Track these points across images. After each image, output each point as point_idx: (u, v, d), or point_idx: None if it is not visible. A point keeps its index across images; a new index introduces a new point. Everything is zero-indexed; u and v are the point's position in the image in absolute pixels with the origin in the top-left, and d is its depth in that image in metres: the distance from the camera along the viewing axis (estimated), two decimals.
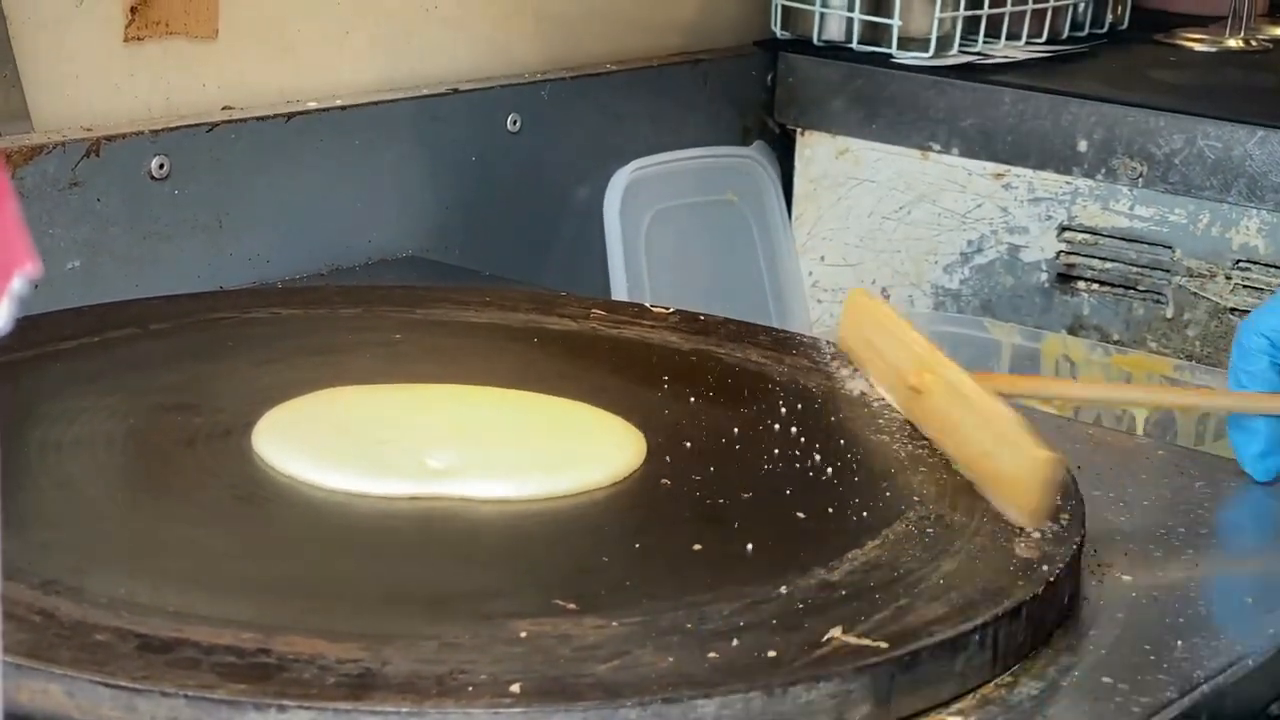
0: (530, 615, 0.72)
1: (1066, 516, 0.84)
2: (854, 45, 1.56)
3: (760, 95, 1.61)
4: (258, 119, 1.25)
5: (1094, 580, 0.85)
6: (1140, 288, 1.46)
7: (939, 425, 0.91)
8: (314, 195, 1.29)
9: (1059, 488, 0.84)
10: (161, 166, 1.19)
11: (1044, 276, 1.49)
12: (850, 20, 1.56)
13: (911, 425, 0.94)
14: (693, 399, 0.96)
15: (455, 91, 1.39)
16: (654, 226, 1.50)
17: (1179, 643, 0.80)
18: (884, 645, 0.71)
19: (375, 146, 1.33)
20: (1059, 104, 1.47)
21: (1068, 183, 1.47)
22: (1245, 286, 1.41)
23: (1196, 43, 1.72)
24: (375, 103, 1.33)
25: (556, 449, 0.88)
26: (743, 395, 0.98)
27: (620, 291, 1.45)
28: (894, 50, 1.54)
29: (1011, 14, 1.60)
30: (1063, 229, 1.48)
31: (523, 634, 0.71)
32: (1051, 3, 1.63)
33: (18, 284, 0.38)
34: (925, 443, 0.92)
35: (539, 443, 0.89)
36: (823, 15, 1.58)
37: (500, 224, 1.42)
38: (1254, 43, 1.73)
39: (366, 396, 0.92)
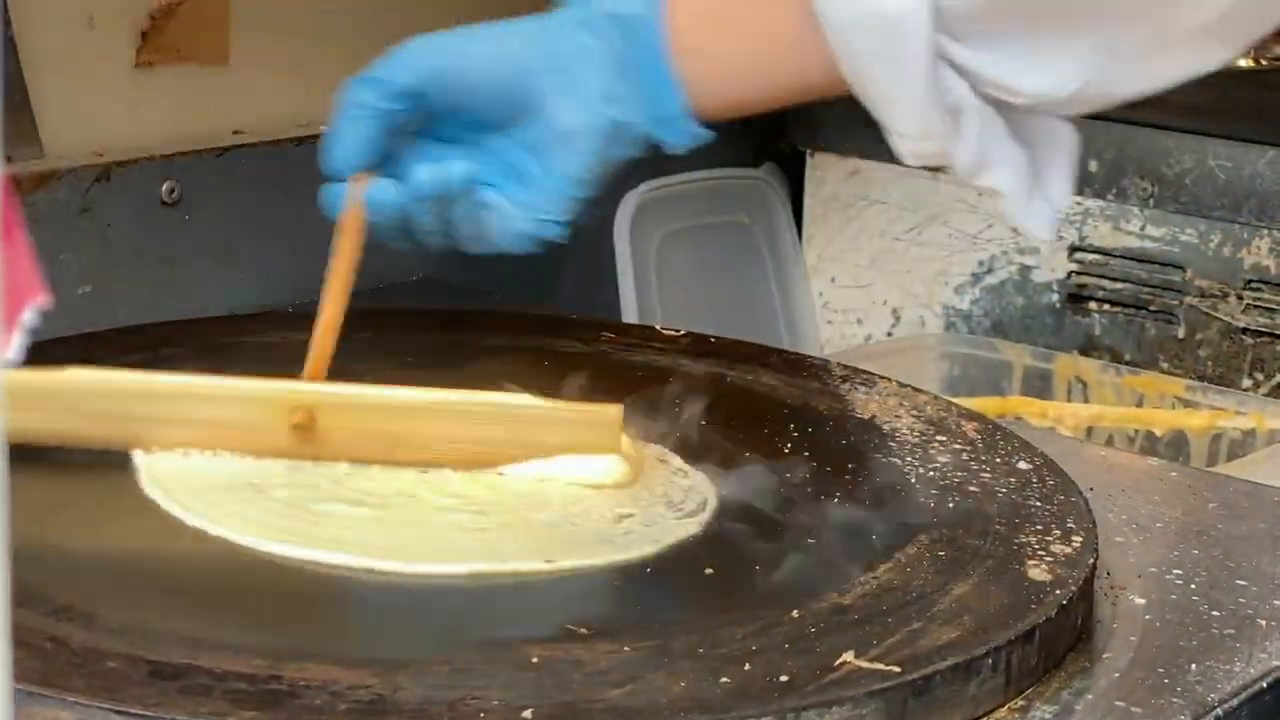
0: (542, 640, 0.72)
1: (1079, 539, 0.84)
2: None
3: (770, 116, 1.61)
4: (268, 143, 1.25)
5: (1107, 603, 0.85)
6: (1152, 308, 1.46)
7: (365, 447, 0.85)
8: (325, 219, 1.29)
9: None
10: (172, 191, 1.19)
11: (1055, 297, 1.49)
12: None
13: (923, 449, 0.94)
14: (703, 421, 0.96)
15: None
16: (664, 248, 1.50)
17: (1193, 666, 0.79)
18: (897, 669, 0.71)
19: None
20: None
21: (1078, 203, 1.47)
22: (1257, 306, 1.41)
23: None
24: None
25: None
26: (753, 417, 0.98)
27: (630, 313, 1.45)
28: None
29: None
30: (1074, 249, 1.48)
31: (535, 659, 0.71)
32: None
33: (29, 316, 0.38)
34: (937, 465, 0.92)
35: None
36: None
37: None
38: (1265, 62, 1.73)
39: None
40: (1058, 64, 0.77)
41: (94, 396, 0.84)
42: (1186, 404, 1.38)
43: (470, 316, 1.12)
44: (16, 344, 0.38)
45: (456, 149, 0.86)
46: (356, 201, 0.89)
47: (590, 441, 0.86)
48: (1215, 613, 0.85)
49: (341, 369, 0.93)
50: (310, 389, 0.88)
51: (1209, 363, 1.43)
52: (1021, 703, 0.75)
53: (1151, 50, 0.78)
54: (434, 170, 0.84)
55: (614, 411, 0.86)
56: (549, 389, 0.91)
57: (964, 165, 0.78)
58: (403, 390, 0.88)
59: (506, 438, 0.86)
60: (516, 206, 0.85)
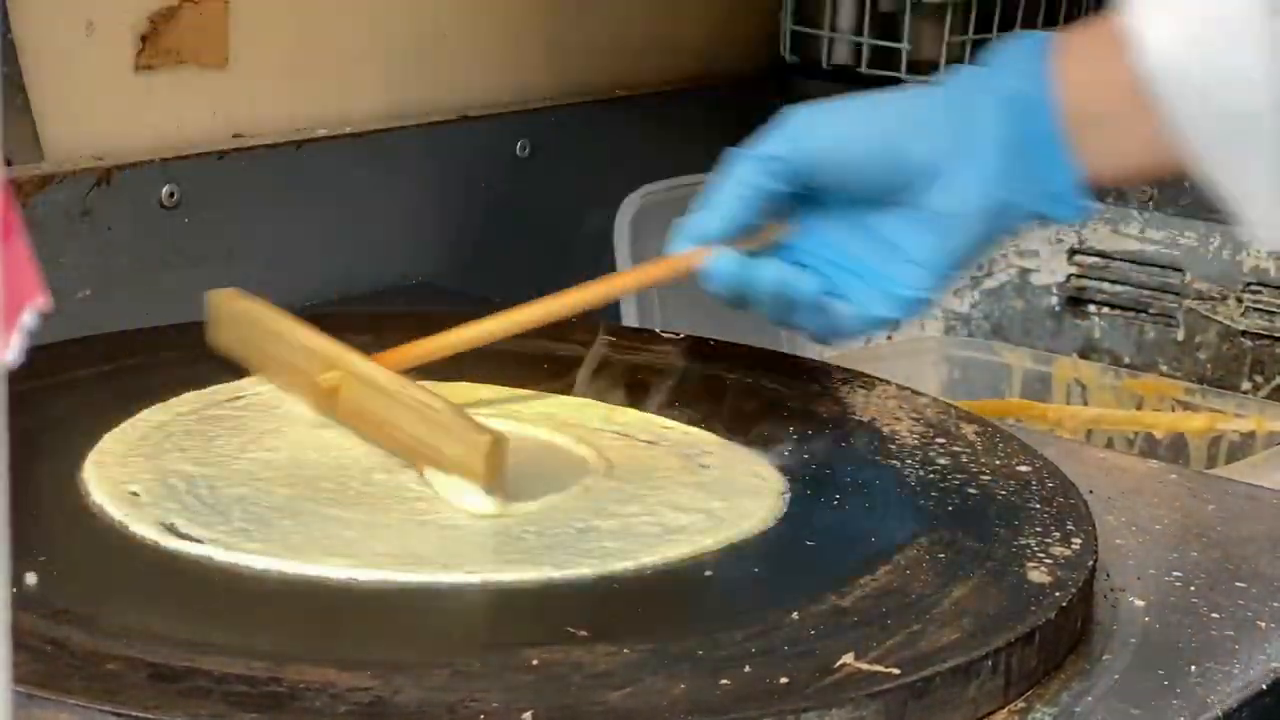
0: (541, 643, 0.72)
1: (1079, 541, 0.84)
2: (863, 70, 1.56)
3: (770, 120, 1.61)
4: (268, 147, 1.26)
5: (1107, 605, 0.85)
6: (1151, 311, 1.46)
7: (362, 420, 0.90)
8: (324, 222, 1.30)
9: (504, 460, 0.83)
10: (172, 195, 1.19)
11: (1054, 300, 1.49)
12: (860, 45, 1.57)
13: (922, 451, 0.94)
14: (702, 424, 0.96)
15: (465, 118, 1.39)
16: (664, 251, 1.50)
17: (1192, 668, 0.79)
18: (896, 671, 0.71)
19: (386, 173, 1.33)
20: None
21: None
22: (1256, 309, 1.41)
23: None
24: (386, 130, 1.33)
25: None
26: (753, 420, 0.98)
27: (630, 317, 1.45)
28: (904, 74, 1.54)
29: None
30: (1073, 252, 1.48)
31: (534, 662, 0.71)
32: None
33: (28, 318, 0.38)
34: (936, 468, 0.92)
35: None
36: (832, 40, 1.58)
37: (511, 250, 1.43)
38: None
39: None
40: None
41: (231, 318, 0.99)
42: (1186, 406, 1.38)
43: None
44: (16, 346, 0.38)
45: (827, 222, 0.85)
46: (691, 258, 0.88)
47: (465, 461, 0.84)
48: (1215, 615, 0.85)
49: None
50: (334, 354, 0.91)
51: (1208, 365, 1.43)
52: (1021, 705, 0.75)
53: None
54: (780, 281, 0.84)
55: (485, 440, 0.82)
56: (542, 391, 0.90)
57: None
58: (378, 370, 0.90)
59: (420, 435, 0.86)
60: (864, 297, 0.84)
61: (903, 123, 0.81)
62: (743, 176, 0.86)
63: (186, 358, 1.02)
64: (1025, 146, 0.78)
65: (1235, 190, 0.75)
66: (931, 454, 0.94)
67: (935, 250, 0.82)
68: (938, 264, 0.83)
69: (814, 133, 0.84)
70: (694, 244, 0.89)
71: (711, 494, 0.87)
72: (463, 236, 1.39)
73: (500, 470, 0.83)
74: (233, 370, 0.98)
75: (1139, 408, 1.40)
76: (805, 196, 0.87)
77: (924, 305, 0.86)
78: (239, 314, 1.00)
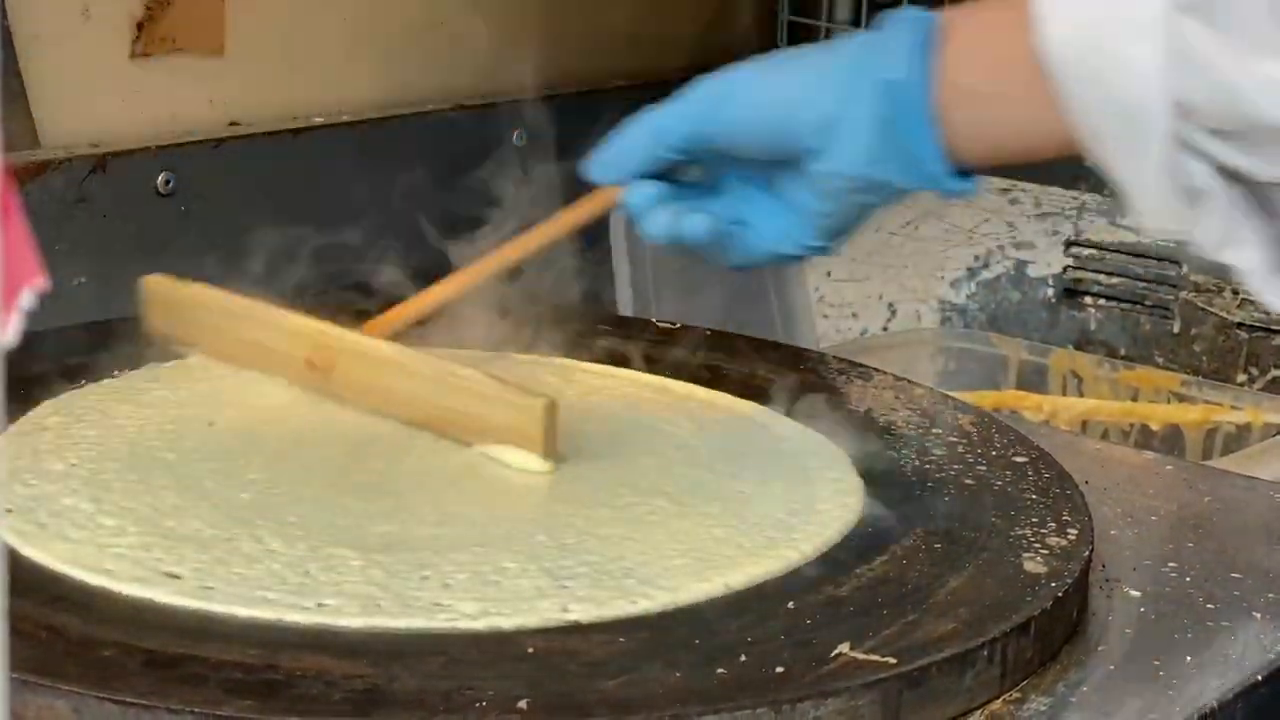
0: (538, 631, 0.72)
1: (1074, 532, 0.84)
2: None
3: None
4: (264, 135, 1.25)
5: (1102, 595, 0.85)
6: (1147, 303, 1.46)
7: (367, 395, 0.91)
8: (320, 210, 1.29)
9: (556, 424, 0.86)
10: (168, 182, 1.19)
11: (1050, 292, 1.49)
12: None
13: (919, 442, 0.94)
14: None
15: (461, 108, 1.39)
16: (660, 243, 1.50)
17: (1188, 658, 0.79)
18: (892, 661, 0.71)
19: (381, 162, 1.33)
20: None
21: (1074, 198, 1.47)
22: (1252, 302, 1.41)
23: None
24: (382, 118, 1.33)
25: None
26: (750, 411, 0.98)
27: (627, 308, 1.45)
28: None
29: None
30: (1069, 244, 1.48)
31: (530, 650, 0.70)
32: None
33: (26, 298, 0.38)
34: (933, 458, 0.92)
35: None
36: (829, 30, 1.58)
37: (506, 241, 1.42)
38: None
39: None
40: None
41: (170, 302, 0.99)
42: (1181, 398, 1.38)
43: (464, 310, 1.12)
44: (14, 326, 0.38)
45: (721, 182, 0.88)
46: (607, 194, 0.89)
47: (517, 426, 0.87)
48: (1210, 605, 0.85)
49: None
50: (322, 331, 0.92)
51: (1204, 357, 1.43)
52: (1017, 695, 0.75)
53: None
54: (670, 223, 0.87)
55: (539, 403, 0.86)
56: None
57: (1206, 244, 0.77)
58: (388, 347, 0.91)
59: (456, 407, 0.88)
60: (758, 238, 0.86)
61: (792, 97, 0.84)
62: (634, 145, 0.89)
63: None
64: (897, 126, 0.80)
65: (1125, 178, 0.76)
66: (928, 444, 0.94)
67: (819, 211, 0.85)
68: (824, 224, 0.86)
69: (715, 109, 0.86)
70: (605, 181, 0.90)
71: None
72: (458, 226, 1.38)
73: (555, 434, 0.86)
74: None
75: (1135, 399, 1.40)
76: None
77: (818, 252, 0.87)
78: (183, 299, 0.99)
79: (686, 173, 0.88)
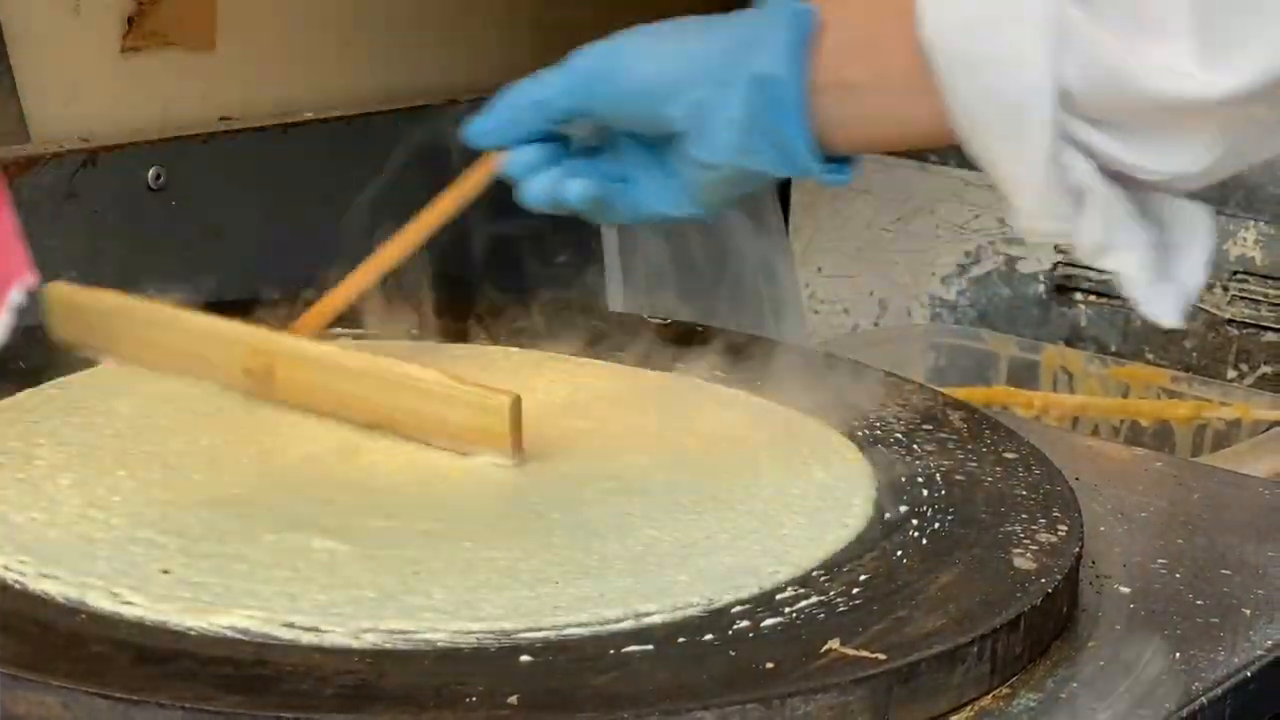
0: (528, 627, 0.72)
1: (1064, 528, 0.84)
2: None
3: None
4: (255, 130, 1.25)
5: (1092, 591, 0.85)
6: None
7: (317, 399, 0.91)
8: (311, 206, 1.29)
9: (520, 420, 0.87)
10: (159, 177, 1.19)
11: (1041, 288, 1.49)
12: None
13: (909, 438, 0.94)
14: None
15: (453, 102, 1.39)
16: (651, 237, 1.50)
17: (1177, 654, 0.80)
18: (882, 657, 0.71)
19: (373, 157, 1.32)
20: None
21: None
22: (1242, 298, 1.41)
23: None
24: (373, 113, 1.33)
25: None
26: None
27: (617, 303, 1.45)
28: None
29: None
30: None
31: (520, 646, 0.70)
32: None
33: (16, 295, 0.38)
34: (923, 454, 0.92)
35: None
36: None
37: (498, 235, 1.42)
38: None
39: None
40: (1190, 145, 0.74)
41: (80, 309, 0.96)
42: (1172, 395, 1.38)
43: (455, 305, 1.12)
44: (5, 323, 0.38)
45: (611, 139, 0.88)
46: (488, 163, 0.89)
47: (483, 425, 0.87)
48: (1200, 602, 0.85)
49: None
50: (261, 338, 0.92)
51: (1194, 354, 1.43)
52: (1006, 691, 0.75)
53: None
54: (550, 188, 0.87)
55: (503, 399, 0.86)
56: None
57: (1086, 247, 0.76)
58: (337, 351, 0.91)
59: (416, 409, 0.88)
60: (642, 198, 0.86)
61: (666, 82, 0.83)
62: (526, 113, 0.88)
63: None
64: (769, 120, 0.80)
65: (1006, 173, 0.75)
66: (918, 440, 0.94)
67: (698, 184, 0.84)
68: (703, 196, 0.85)
69: (593, 85, 0.85)
70: (485, 146, 0.90)
71: None
72: (450, 221, 1.38)
73: (519, 430, 0.86)
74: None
75: (1125, 395, 1.40)
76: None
77: (700, 219, 0.87)
78: (92, 306, 0.97)
79: (576, 128, 0.87)
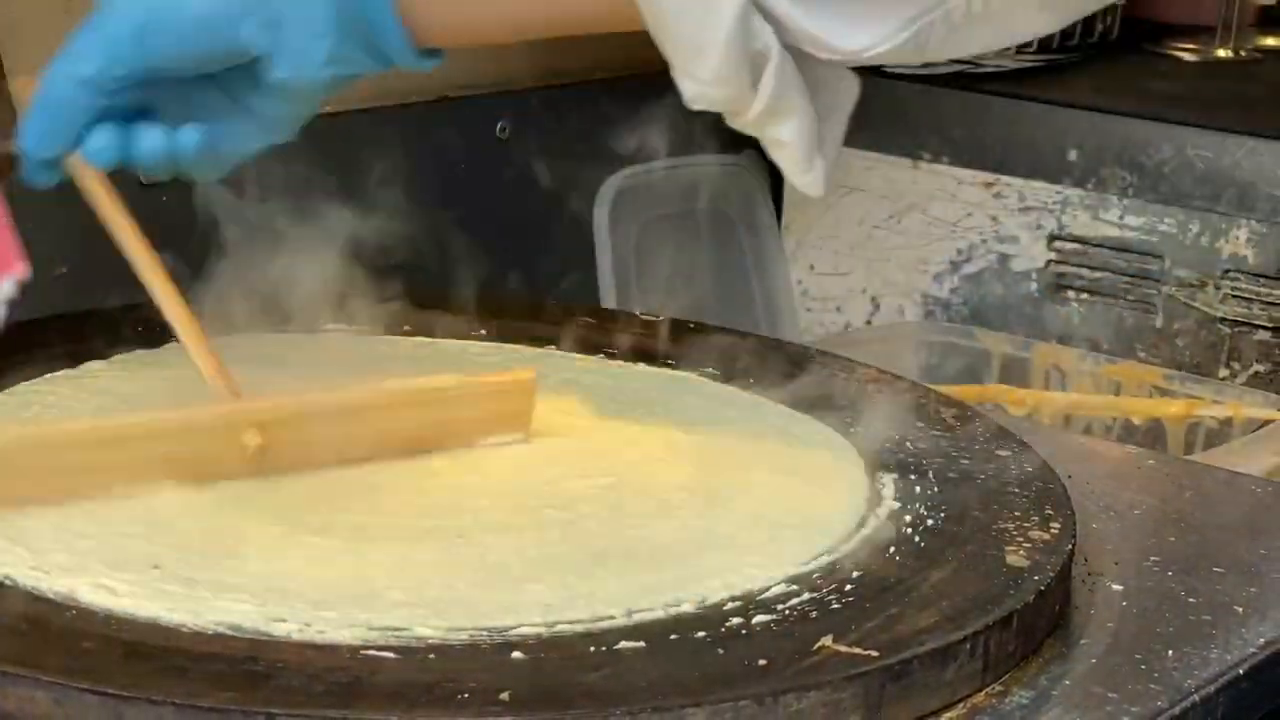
0: (520, 624, 0.72)
1: (1057, 525, 0.84)
2: None
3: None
4: None
5: (1085, 589, 0.85)
6: (1130, 297, 1.46)
7: (319, 451, 0.84)
8: (302, 202, 1.29)
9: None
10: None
11: (1034, 286, 1.49)
12: None
13: (900, 434, 0.94)
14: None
15: (445, 99, 1.39)
16: (644, 234, 1.50)
17: (1170, 652, 0.80)
18: (874, 654, 0.71)
19: (364, 154, 1.32)
20: (1049, 113, 1.47)
21: (1058, 192, 1.47)
22: (1235, 296, 1.41)
23: (1186, 52, 1.72)
24: (365, 110, 1.33)
25: None
26: None
27: (610, 299, 1.45)
28: None
29: None
30: (1053, 238, 1.48)
31: (512, 642, 0.70)
32: None
33: (7, 287, 0.38)
34: (915, 451, 0.92)
35: None
36: None
37: (490, 232, 1.42)
38: (1243, 53, 1.74)
39: None
40: (878, 24, 0.73)
41: (40, 453, 0.79)
42: (1164, 393, 1.39)
43: (450, 303, 1.12)
44: None
45: (185, 89, 0.84)
46: (79, 165, 0.86)
47: (504, 411, 0.88)
48: (1192, 599, 0.85)
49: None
50: (257, 408, 0.83)
51: (1186, 352, 1.43)
52: (999, 688, 0.75)
53: (978, 17, 0.74)
54: (114, 161, 0.84)
55: (526, 378, 0.88)
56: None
57: (755, 113, 0.75)
58: (336, 394, 0.87)
59: (435, 419, 0.87)
60: (223, 146, 0.84)
61: (230, 7, 0.79)
62: (76, 100, 0.83)
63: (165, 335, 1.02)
64: (361, 22, 0.78)
65: (690, 40, 0.74)
66: (910, 438, 0.94)
67: (281, 116, 0.83)
68: (286, 124, 0.85)
69: (140, 42, 0.81)
70: (51, 154, 0.86)
71: None
72: (441, 218, 1.38)
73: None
74: None
75: (1117, 394, 1.40)
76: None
77: (276, 143, 0.87)
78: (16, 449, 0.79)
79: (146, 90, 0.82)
